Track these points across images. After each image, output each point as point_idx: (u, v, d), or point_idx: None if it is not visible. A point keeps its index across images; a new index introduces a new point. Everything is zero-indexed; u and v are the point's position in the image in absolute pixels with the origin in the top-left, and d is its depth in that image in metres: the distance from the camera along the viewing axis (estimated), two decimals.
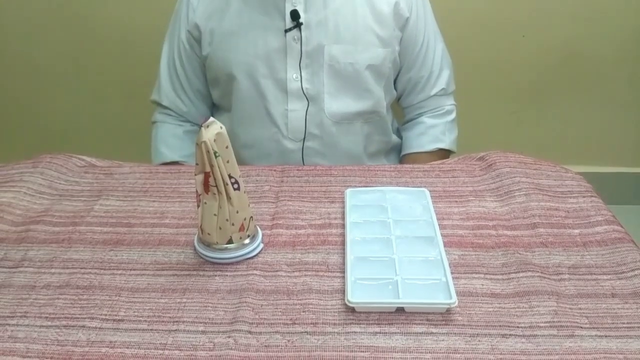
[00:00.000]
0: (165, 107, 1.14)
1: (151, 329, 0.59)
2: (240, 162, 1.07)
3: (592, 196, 0.80)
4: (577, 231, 0.73)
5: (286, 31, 1.00)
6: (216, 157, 0.62)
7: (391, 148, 1.20)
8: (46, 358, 0.56)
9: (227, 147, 0.64)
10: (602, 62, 1.66)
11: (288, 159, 1.06)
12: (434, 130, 1.15)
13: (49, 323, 0.60)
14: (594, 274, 0.66)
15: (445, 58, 1.14)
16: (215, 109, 1.17)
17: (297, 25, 0.99)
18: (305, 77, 1.02)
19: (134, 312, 0.61)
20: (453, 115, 1.17)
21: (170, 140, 1.13)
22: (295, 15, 0.99)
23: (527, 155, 0.88)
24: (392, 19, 1.04)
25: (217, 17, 1.04)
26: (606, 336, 0.58)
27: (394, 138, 1.19)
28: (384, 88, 1.10)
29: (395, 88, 1.15)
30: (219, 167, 0.63)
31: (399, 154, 1.21)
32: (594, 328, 0.59)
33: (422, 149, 1.14)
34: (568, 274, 0.66)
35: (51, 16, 1.61)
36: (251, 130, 1.08)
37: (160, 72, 1.14)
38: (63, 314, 0.61)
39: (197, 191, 0.66)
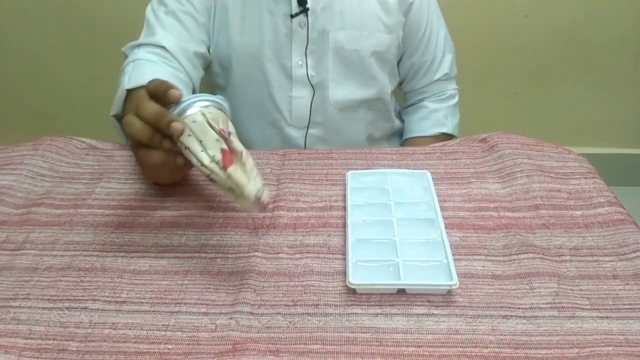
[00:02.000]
0: (158, 47, 0.95)
1: (153, 311, 0.60)
2: None
3: (594, 177, 0.79)
4: (578, 213, 0.73)
5: (292, 16, 0.99)
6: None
7: (393, 132, 1.19)
8: (49, 340, 0.56)
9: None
10: (605, 42, 1.65)
11: (289, 145, 1.05)
12: (436, 115, 1.14)
13: (52, 305, 0.60)
14: (596, 255, 0.66)
15: (448, 42, 1.13)
16: (208, 87, 1.15)
17: (304, 10, 0.98)
18: (310, 64, 1.01)
19: (136, 294, 0.62)
20: (455, 100, 1.16)
21: (159, 68, 0.93)
22: (302, 0, 0.97)
23: (530, 137, 0.88)
24: (397, 5, 1.03)
25: None
26: (607, 317, 0.58)
27: (397, 122, 1.18)
28: (389, 74, 1.09)
29: (398, 72, 1.14)
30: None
31: (401, 138, 1.21)
32: (594, 309, 0.59)
33: (424, 133, 1.14)
34: (569, 255, 0.66)
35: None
36: (252, 115, 1.07)
37: (154, 17, 0.99)
38: (65, 296, 0.62)
39: (212, 178, 0.60)
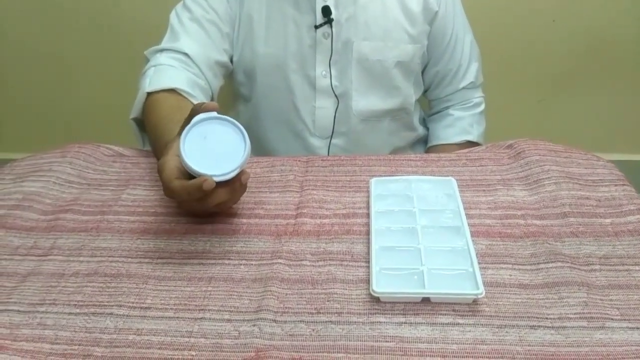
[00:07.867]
0: (180, 53, 0.96)
1: (177, 317, 0.60)
2: (263, 154, 1.07)
3: (624, 185, 0.78)
4: (608, 220, 0.71)
5: (316, 27, 0.99)
6: None
7: (418, 140, 1.18)
8: (74, 345, 0.57)
9: None
10: (633, 47, 1.62)
11: (313, 155, 1.05)
12: (461, 123, 1.13)
13: (77, 310, 0.61)
14: (626, 264, 0.65)
15: (474, 50, 1.12)
16: (233, 97, 1.16)
17: (328, 21, 0.98)
18: (334, 74, 1.01)
19: (161, 300, 0.62)
20: (481, 108, 1.15)
21: (180, 74, 0.94)
22: (327, 11, 0.97)
23: (557, 143, 0.86)
24: (421, 15, 1.03)
25: (247, 3, 1.02)
26: (638, 328, 0.57)
27: (421, 130, 1.17)
28: (414, 84, 1.08)
29: (423, 81, 1.13)
30: None
31: (425, 145, 1.20)
32: (625, 320, 0.58)
33: (449, 140, 1.13)
34: (599, 264, 0.65)
35: (75, 4, 1.63)
36: (276, 124, 1.07)
37: (178, 23, 1.00)
38: (91, 301, 0.62)
39: None
